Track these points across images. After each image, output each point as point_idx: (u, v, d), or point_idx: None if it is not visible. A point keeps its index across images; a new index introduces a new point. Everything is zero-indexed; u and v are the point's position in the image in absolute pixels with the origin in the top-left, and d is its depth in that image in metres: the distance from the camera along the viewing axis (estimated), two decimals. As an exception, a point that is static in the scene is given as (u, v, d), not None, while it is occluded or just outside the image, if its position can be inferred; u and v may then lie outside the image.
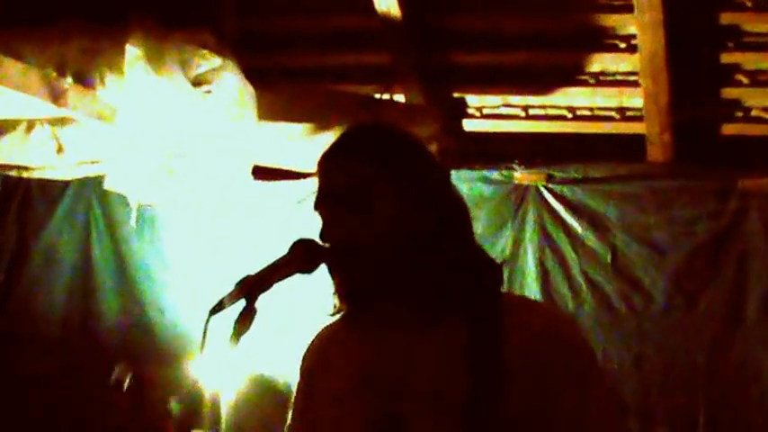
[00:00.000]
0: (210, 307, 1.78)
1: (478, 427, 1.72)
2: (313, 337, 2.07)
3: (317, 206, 1.89)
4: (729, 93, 4.71)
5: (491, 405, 1.72)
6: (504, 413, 1.72)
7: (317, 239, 1.86)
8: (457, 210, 1.92)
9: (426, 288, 1.84)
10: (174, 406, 4.48)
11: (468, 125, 5.20)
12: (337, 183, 1.86)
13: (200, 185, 4.35)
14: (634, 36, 4.47)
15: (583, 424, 1.76)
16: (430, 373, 1.80)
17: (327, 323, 2.04)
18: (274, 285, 1.82)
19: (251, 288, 1.79)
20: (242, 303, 1.79)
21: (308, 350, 2.06)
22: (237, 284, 1.79)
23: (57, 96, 3.88)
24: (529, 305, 2.00)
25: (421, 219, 1.84)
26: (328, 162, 1.90)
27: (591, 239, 4.94)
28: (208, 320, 1.76)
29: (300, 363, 2.06)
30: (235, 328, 1.79)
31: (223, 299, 1.77)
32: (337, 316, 1.95)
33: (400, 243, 1.83)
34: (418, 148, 1.94)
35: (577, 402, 1.76)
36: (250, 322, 1.79)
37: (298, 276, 1.86)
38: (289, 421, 2.05)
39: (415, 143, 1.95)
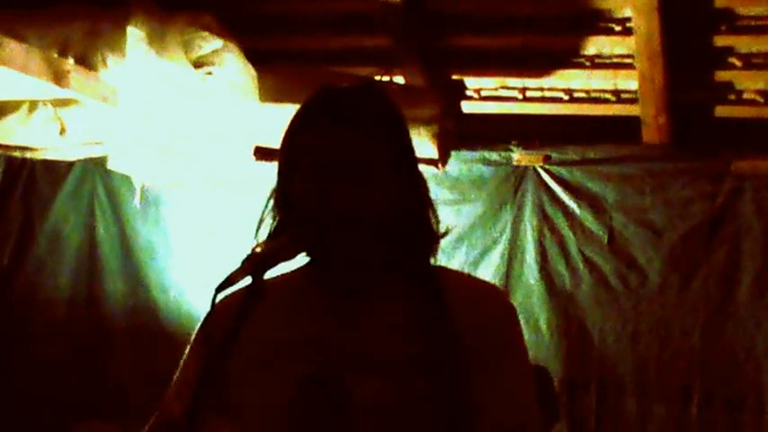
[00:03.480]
0: (217, 284, 1.76)
1: (430, 390, 1.76)
2: (228, 294, 1.86)
3: (311, 172, 1.83)
4: (723, 75, 4.73)
5: (441, 371, 1.77)
6: (452, 376, 1.77)
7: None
8: (423, 180, 1.92)
9: (383, 258, 1.87)
10: None
11: (467, 107, 5.23)
12: (338, 152, 1.81)
13: (202, 166, 4.38)
14: (629, 19, 4.50)
15: (510, 388, 1.84)
16: (373, 339, 1.81)
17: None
18: (281, 262, 1.81)
19: (258, 265, 1.77)
20: (248, 280, 1.77)
21: (223, 305, 1.83)
22: (244, 261, 1.77)
23: (59, 78, 3.90)
24: (464, 278, 2.03)
25: (404, 189, 1.86)
26: (323, 127, 1.85)
27: (588, 220, 4.98)
28: (215, 297, 1.74)
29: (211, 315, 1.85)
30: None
31: (230, 275, 1.78)
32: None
33: (387, 213, 1.84)
34: (401, 117, 1.93)
35: (506, 371, 1.84)
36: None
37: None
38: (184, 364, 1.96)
39: (399, 110, 1.93)
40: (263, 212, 1.92)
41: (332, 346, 1.81)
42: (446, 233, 1.94)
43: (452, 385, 1.77)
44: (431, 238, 1.91)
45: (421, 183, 1.92)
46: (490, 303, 1.90)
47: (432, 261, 1.92)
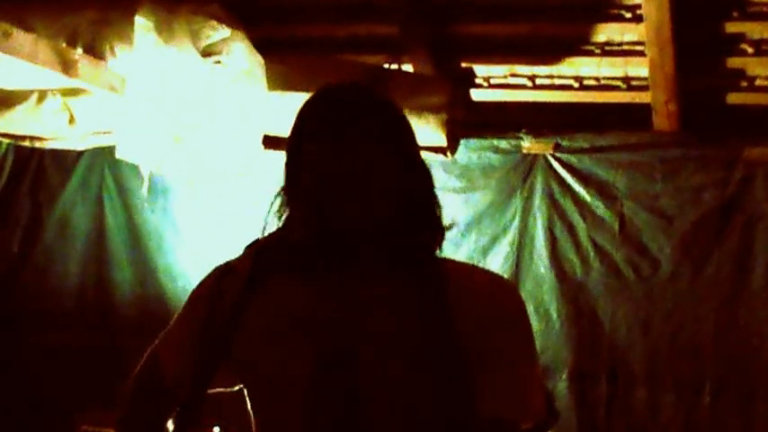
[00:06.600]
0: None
1: (433, 367, 1.77)
2: (224, 267, 1.95)
3: (316, 175, 1.82)
4: (734, 62, 4.70)
5: (442, 359, 1.78)
6: (451, 354, 1.77)
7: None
8: (428, 173, 1.93)
9: (389, 245, 1.86)
10: None
11: (477, 95, 5.22)
12: (343, 158, 1.81)
13: (210, 155, 4.37)
14: (639, 6, 4.47)
15: (513, 370, 1.85)
16: (380, 318, 1.81)
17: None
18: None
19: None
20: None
21: (217, 277, 1.94)
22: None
23: (67, 67, 3.89)
24: (470, 268, 2.01)
25: (407, 183, 1.85)
26: (327, 132, 1.84)
27: (599, 207, 4.96)
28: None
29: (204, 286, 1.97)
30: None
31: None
32: None
33: (390, 207, 1.84)
34: (402, 116, 1.94)
35: (510, 363, 1.85)
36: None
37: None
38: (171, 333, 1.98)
39: (398, 108, 1.94)
40: (273, 202, 1.92)
41: (345, 325, 1.80)
42: (451, 226, 1.93)
43: (451, 374, 1.77)
44: (437, 230, 1.91)
45: (426, 175, 1.92)
46: (497, 294, 1.90)
47: (437, 253, 1.92)
